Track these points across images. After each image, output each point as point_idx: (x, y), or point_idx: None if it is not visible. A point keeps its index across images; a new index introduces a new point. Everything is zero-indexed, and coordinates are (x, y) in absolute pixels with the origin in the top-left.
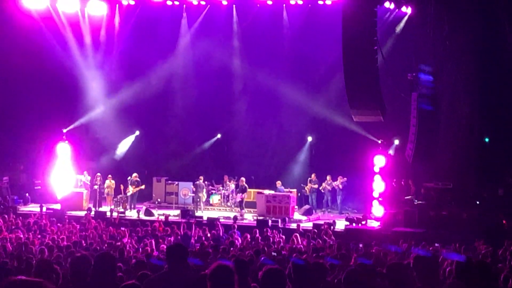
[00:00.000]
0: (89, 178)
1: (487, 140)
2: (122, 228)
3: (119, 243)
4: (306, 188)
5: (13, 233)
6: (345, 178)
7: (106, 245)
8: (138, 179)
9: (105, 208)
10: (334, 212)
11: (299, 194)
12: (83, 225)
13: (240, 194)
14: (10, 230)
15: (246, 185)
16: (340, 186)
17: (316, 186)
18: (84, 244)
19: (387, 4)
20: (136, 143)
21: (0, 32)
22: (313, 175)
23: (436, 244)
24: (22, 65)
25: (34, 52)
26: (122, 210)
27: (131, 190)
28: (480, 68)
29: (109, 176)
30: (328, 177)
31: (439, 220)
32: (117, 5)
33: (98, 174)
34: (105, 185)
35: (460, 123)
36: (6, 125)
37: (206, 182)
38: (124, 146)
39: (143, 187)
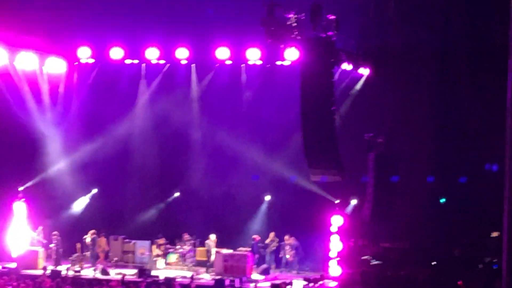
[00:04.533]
0: (41, 235)
1: (442, 200)
2: None
3: None
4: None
5: None
6: (293, 237)
7: None
8: (95, 236)
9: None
10: (291, 272)
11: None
12: (38, 284)
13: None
14: None
15: None
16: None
17: (274, 245)
18: None
19: (344, 66)
20: (94, 201)
21: None
22: (271, 234)
23: None
24: None
25: None
26: (78, 269)
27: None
28: (436, 130)
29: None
30: (287, 237)
31: (396, 280)
32: (75, 63)
33: (55, 232)
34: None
35: (417, 184)
36: None
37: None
38: (81, 204)
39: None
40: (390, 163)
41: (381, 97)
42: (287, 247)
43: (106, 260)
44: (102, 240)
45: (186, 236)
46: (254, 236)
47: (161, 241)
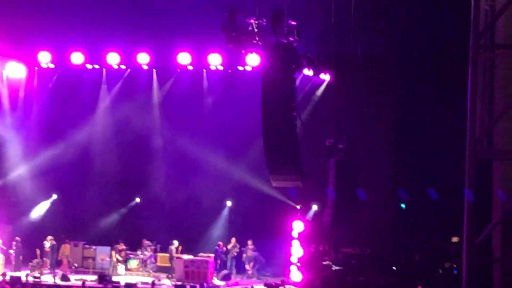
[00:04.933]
0: (1, 241)
1: (403, 206)
2: None
3: None
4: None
5: None
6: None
7: None
8: (54, 242)
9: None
10: (252, 278)
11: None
12: None
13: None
14: None
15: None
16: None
17: (236, 250)
18: None
19: (306, 71)
20: (54, 206)
21: None
22: (232, 240)
23: None
24: None
25: None
26: (38, 275)
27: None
28: (397, 136)
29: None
30: (249, 242)
31: (357, 286)
32: (36, 68)
33: (17, 238)
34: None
35: (377, 189)
36: None
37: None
38: (41, 209)
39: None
40: (351, 169)
41: (342, 103)
42: (251, 253)
43: (67, 266)
44: (66, 247)
45: (146, 242)
46: (219, 243)
47: (121, 246)
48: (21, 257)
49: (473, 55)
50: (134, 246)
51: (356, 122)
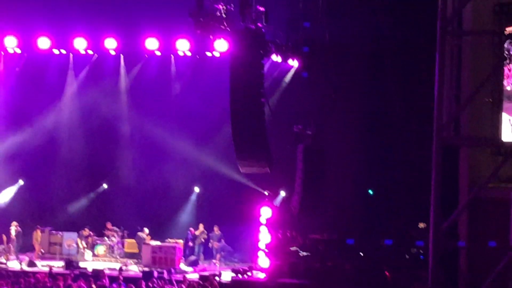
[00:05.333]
0: None
1: (370, 192)
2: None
3: None
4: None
5: None
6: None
7: None
8: (19, 228)
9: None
10: (220, 263)
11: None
12: None
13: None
14: None
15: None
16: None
17: (204, 236)
18: None
19: (274, 57)
20: (20, 192)
21: None
22: (200, 226)
23: None
24: None
25: None
26: (4, 260)
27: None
28: (365, 122)
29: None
30: (216, 228)
31: (324, 271)
32: (2, 53)
33: None
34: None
35: (345, 176)
36: None
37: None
38: (6, 195)
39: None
40: (318, 155)
41: (310, 89)
42: (217, 239)
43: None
44: (38, 233)
45: (109, 225)
46: (191, 229)
47: (86, 232)
48: None
49: (440, 41)
50: (101, 232)
51: (324, 109)
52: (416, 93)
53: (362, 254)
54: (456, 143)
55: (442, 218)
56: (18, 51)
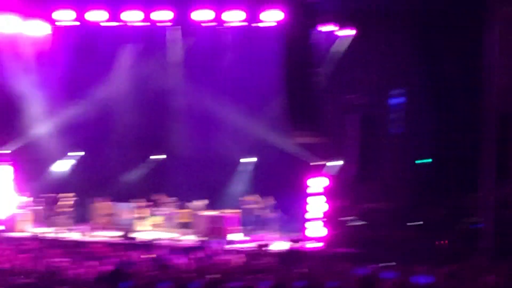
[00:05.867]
0: (31, 199)
1: (430, 161)
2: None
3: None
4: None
5: None
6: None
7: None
8: (77, 199)
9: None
10: (275, 233)
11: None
12: (21, 247)
13: None
14: None
15: None
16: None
17: (260, 206)
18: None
19: (329, 27)
20: (78, 164)
21: None
22: (255, 196)
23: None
24: None
25: None
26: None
27: None
28: (419, 90)
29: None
30: (271, 198)
31: (380, 240)
32: (56, 26)
33: (42, 195)
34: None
35: (402, 145)
36: None
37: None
38: (64, 166)
39: None
40: (374, 125)
41: (365, 59)
42: (270, 209)
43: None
44: (95, 204)
45: (166, 198)
46: (246, 198)
47: (142, 203)
48: (47, 214)
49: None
50: (157, 202)
51: (381, 78)
52: (467, 63)
53: (420, 223)
54: (510, 111)
55: (495, 187)
56: (72, 24)
